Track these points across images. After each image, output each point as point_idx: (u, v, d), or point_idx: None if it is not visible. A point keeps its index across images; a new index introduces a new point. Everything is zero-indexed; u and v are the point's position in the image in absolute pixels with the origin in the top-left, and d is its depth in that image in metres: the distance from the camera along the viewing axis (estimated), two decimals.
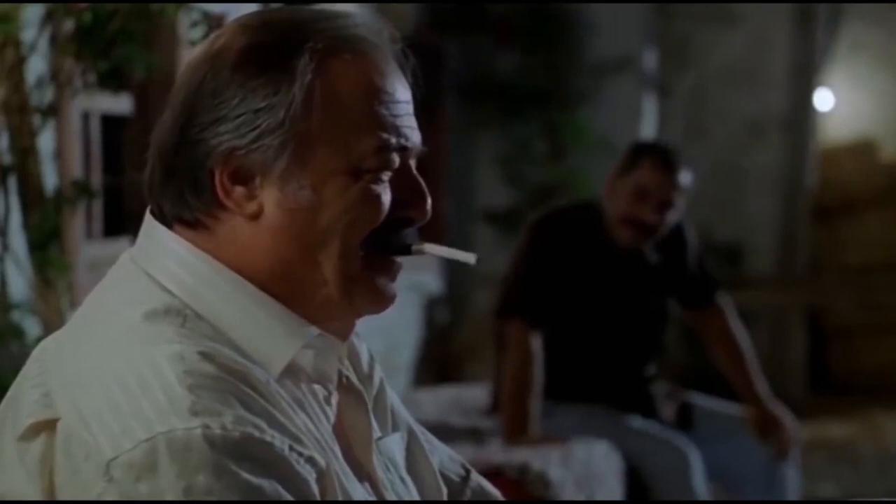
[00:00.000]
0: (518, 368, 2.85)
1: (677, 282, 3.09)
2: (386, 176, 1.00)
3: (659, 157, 2.92)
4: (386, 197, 1.00)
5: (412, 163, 1.03)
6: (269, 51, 0.98)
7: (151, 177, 1.01)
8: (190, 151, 0.98)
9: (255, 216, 0.98)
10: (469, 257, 1.03)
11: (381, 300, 1.02)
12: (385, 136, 0.99)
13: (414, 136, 1.02)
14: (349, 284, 1.00)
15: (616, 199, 2.91)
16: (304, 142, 0.98)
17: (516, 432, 2.82)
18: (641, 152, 2.95)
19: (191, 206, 0.99)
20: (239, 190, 0.98)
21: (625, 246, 2.94)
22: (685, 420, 3.05)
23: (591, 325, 2.98)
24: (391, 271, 1.02)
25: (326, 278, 0.99)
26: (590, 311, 2.97)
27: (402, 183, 1.01)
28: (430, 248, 1.03)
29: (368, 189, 0.99)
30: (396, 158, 1.00)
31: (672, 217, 2.93)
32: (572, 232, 2.97)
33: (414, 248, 1.02)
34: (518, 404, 2.84)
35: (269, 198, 0.98)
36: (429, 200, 1.03)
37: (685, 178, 2.92)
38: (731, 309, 3.16)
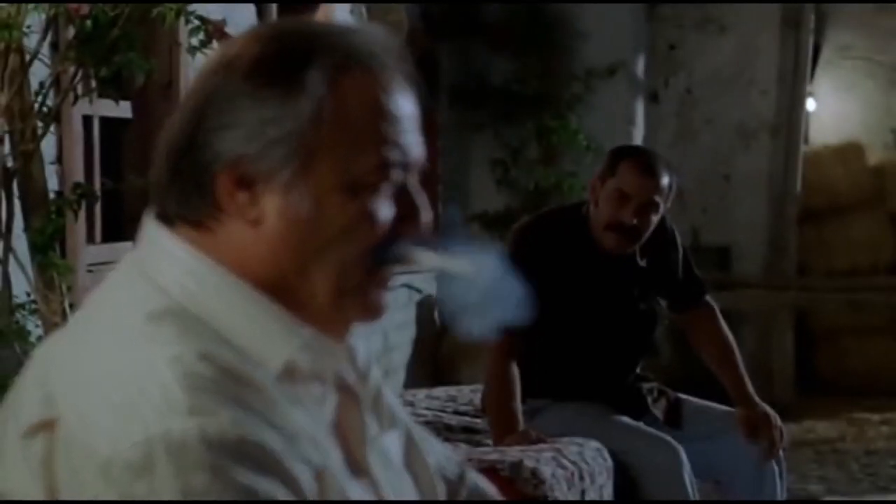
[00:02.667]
0: (496, 374, 2.87)
1: (665, 284, 3.11)
2: (387, 192, 1.01)
3: (636, 160, 2.93)
4: (385, 213, 1.00)
5: (415, 178, 1.04)
6: (281, 62, 0.99)
7: (157, 176, 1.02)
8: (197, 154, 0.99)
9: (257, 222, 0.99)
10: (462, 267, 1.04)
11: (373, 312, 1.03)
12: (388, 153, 1.00)
13: (417, 153, 1.03)
14: (341, 298, 1.00)
15: (598, 204, 2.93)
16: (309, 154, 0.99)
17: (505, 433, 2.84)
18: (620, 157, 2.96)
19: (194, 208, 1.00)
20: (242, 195, 0.99)
21: (610, 250, 2.98)
22: (675, 418, 3.07)
23: (580, 327, 2.99)
24: (385, 283, 1.03)
25: (318, 291, 1.00)
26: (578, 314, 2.98)
27: (403, 198, 1.02)
28: (423, 257, 1.04)
29: (367, 206, 0.99)
30: (398, 175, 1.02)
31: (654, 219, 2.93)
32: (557, 236, 3.00)
33: (407, 257, 1.03)
34: (502, 406, 2.85)
35: (271, 206, 0.98)
36: (428, 216, 1.03)
37: (666, 180, 2.92)
38: (717, 310, 3.19)
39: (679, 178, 3.02)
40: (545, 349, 2.96)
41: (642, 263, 3.03)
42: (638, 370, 3.14)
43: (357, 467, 1.03)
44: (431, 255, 1.05)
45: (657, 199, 2.90)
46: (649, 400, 3.09)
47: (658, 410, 3.08)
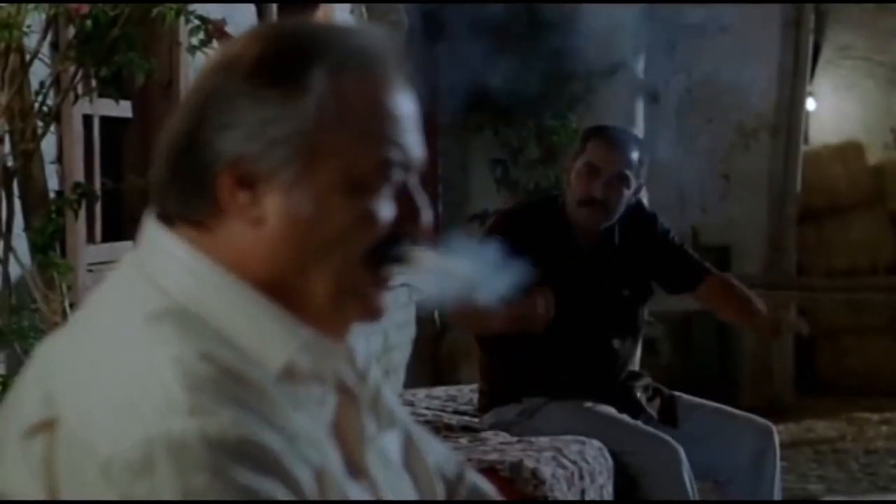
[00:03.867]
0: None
1: (650, 268, 3.10)
2: (387, 192, 1.01)
3: (604, 135, 3.02)
4: (386, 213, 1.01)
5: (415, 178, 1.04)
6: (282, 62, 1.00)
7: (158, 176, 1.02)
8: (197, 154, 0.99)
9: (257, 222, 0.99)
10: (461, 268, 1.05)
11: (373, 313, 1.03)
12: (389, 153, 1.01)
13: (418, 152, 1.04)
14: (342, 298, 1.01)
15: (571, 183, 3.00)
16: (309, 154, 0.99)
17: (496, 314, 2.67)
18: (589, 134, 3.04)
19: (194, 208, 1.00)
20: (243, 195, 0.99)
21: (584, 229, 2.99)
22: (670, 417, 3.07)
23: (562, 315, 2.95)
24: (385, 283, 1.04)
25: (318, 291, 1.00)
26: (559, 302, 2.95)
27: (403, 198, 1.03)
28: (423, 258, 1.04)
29: (368, 206, 1.00)
30: (399, 175, 1.02)
31: (626, 193, 2.97)
32: (533, 224, 3.00)
33: (406, 257, 1.03)
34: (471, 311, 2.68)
35: (272, 206, 0.99)
36: (429, 216, 1.04)
37: (635, 154, 2.98)
38: (730, 277, 3.19)
39: (679, 177, 3.03)
40: (532, 342, 2.95)
41: (621, 248, 3.04)
42: (631, 359, 3.14)
43: (356, 468, 1.03)
44: (431, 255, 1.05)
45: (627, 172, 2.96)
46: (644, 398, 3.09)
47: (653, 409, 3.08)
